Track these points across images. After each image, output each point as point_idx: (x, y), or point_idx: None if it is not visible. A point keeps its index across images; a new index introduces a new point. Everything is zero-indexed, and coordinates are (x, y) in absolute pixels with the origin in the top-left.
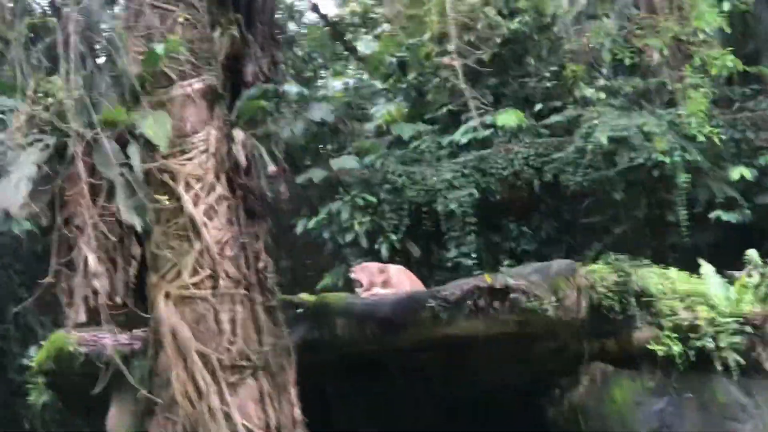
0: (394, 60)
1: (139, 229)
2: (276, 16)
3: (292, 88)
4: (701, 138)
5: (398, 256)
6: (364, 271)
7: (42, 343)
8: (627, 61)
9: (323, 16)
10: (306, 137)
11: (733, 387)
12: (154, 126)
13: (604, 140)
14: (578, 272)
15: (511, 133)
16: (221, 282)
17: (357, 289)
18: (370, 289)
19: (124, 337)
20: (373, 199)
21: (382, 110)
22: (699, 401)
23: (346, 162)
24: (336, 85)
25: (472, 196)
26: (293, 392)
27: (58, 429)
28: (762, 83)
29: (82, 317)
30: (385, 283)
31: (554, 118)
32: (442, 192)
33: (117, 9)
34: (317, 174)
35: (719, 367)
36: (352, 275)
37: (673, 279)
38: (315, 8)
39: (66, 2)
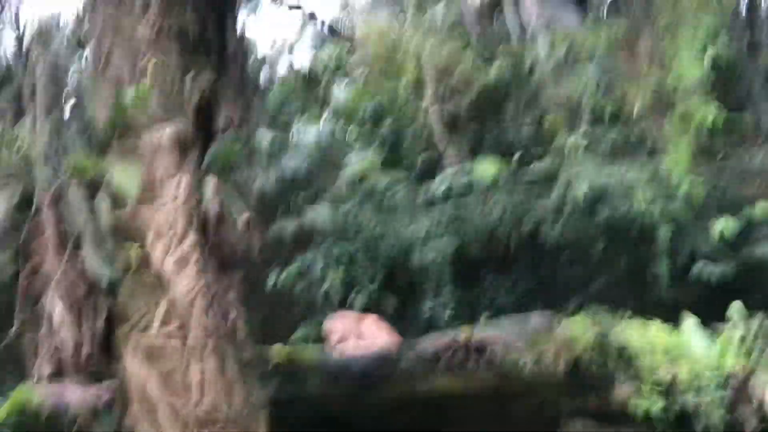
0: (369, 106)
1: (107, 281)
2: (248, 63)
3: (265, 134)
4: (684, 189)
5: (373, 308)
6: (340, 321)
7: (6, 397)
8: (608, 110)
9: (296, 71)
10: (279, 187)
11: None
12: (124, 174)
13: (583, 191)
14: (557, 327)
15: (489, 183)
16: (191, 334)
17: (332, 337)
18: (345, 340)
19: (91, 391)
20: (349, 248)
21: (357, 158)
22: None
23: (320, 212)
24: (310, 131)
25: (449, 247)
26: None
27: None
28: (746, 133)
29: (48, 370)
30: (360, 336)
31: (534, 168)
32: (418, 244)
33: (86, 53)
34: (290, 225)
35: (701, 427)
36: (327, 325)
37: (655, 333)
38: (290, 55)
39: (34, 46)
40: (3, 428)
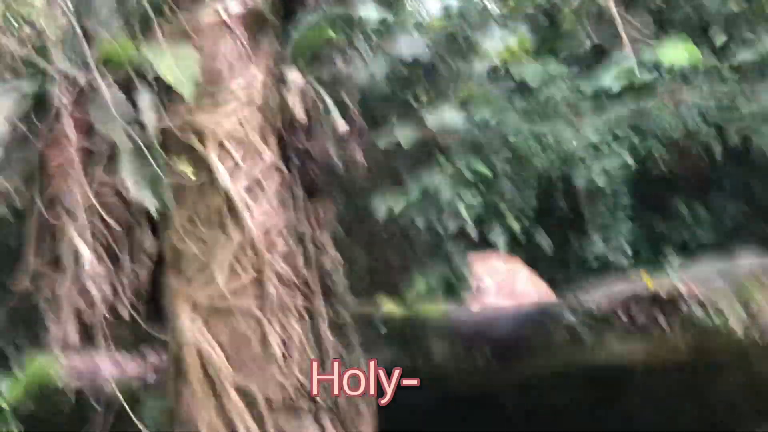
0: None
1: (154, 213)
2: None
3: (371, 12)
4: None
5: (521, 250)
6: (487, 267)
7: (16, 373)
8: None
9: None
10: (391, 82)
11: None
12: (175, 66)
13: None
14: None
15: (681, 76)
16: (270, 289)
17: (477, 300)
18: (487, 293)
19: (132, 366)
20: (487, 171)
21: (498, 44)
22: None
23: (448, 117)
24: (434, 8)
25: (627, 165)
26: None
27: None
28: None
29: (74, 337)
30: (506, 288)
31: (744, 55)
32: (585, 160)
33: None
34: (406, 135)
35: None
36: (475, 282)
37: None
38: None
39: None
40: (12, 418)
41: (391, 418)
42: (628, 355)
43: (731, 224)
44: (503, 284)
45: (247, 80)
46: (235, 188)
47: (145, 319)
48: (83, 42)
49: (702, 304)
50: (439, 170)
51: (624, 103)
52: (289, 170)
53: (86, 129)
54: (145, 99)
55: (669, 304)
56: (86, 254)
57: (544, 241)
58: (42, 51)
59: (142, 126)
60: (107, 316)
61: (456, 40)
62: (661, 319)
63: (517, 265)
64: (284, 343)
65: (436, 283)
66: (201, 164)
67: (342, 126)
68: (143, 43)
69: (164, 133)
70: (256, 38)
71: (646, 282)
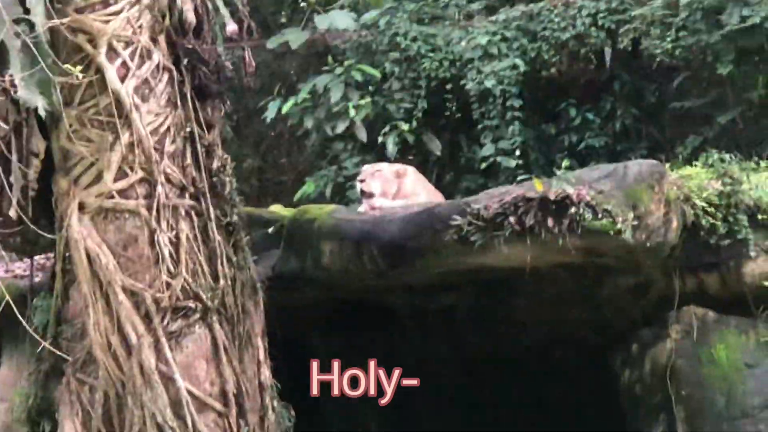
0: None
1: (42, 112)
2: None
3: None
4: None
5: (411, 153)
6: (376, 178)
7: None
8: None
9: None
10: None
11: None
12: None
13: None
14: (667, 178)
15: None
16: (159, 189)
17: (366, 203)
18: (375, 195)
19: (19, 267)
20: (377, 73)
21: None
22: None
23: (338, 19)
24: None
25: (517, 69)
26: (261, 346)
27: None
28: None
29: None
30: (397, 193)
31: None
32: (475, 63)
33: None
34: (296, 36)
35: None
36: (360, 184)
37: None
38: None
39: None
40: None
41: (278, 321)
42: (517, 257)
43: (621, 127)
44: (390, 187)
45: None
46: (124, 88)
47: (33, 220)
48: None
49: (591, 207)
50: (328, 72)
51: (514, 6)
52: (179, 71)
53: None
54: None
55: (558, 206)
56: None
57: (434, 143)
58: None
59: (30, 25)
60: None
61: None
62: (550, 222)
63: (405, 168)
64: (172, 243)
65: (324, 185)
66: (90, 65)
67: (231, 26)
68: None
69: (53, 33)
70: None
71: (536, 184)
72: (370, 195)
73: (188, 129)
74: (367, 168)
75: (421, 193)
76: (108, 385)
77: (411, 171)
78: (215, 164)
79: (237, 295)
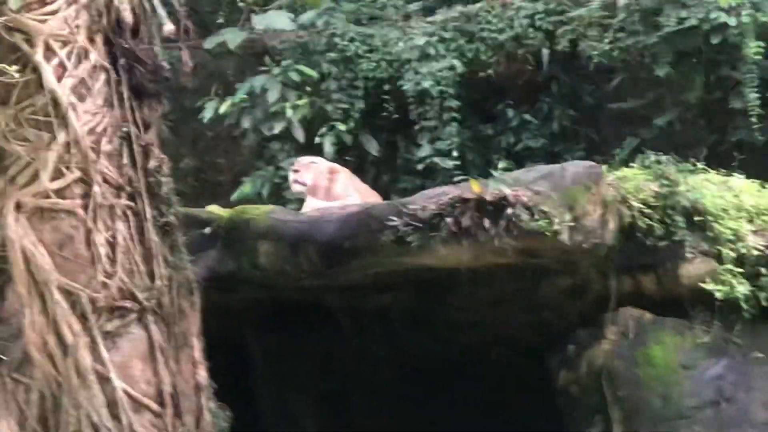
0: None
1: None
2: None
3: None
4: None
5: (349, 154)
6: (309, 169)
7: None
8: None
9: None
10: None
11: None
12: None
13: None
14: (604, 180)
15: None
16: (96, 189)
17: (296, 190)
18: (314, 195)
19: None
20: (314, 74)
21: None
22: None
23: (276, 20)
24: None
25: (454, 69)
26: (197, 346)
27: None
28: None
29: None
30: (328, 192)
31: None
32: (412, 64)
33: None
34: (234, 36)
35: None
36: (293, 174)
37: (739, 190)
38: None
39: None
40: None
41: (215, 320)
42: (454, 258)
43: (558, 129)
44: (321, 180)
45: None
46: (61, 88)
47: None
48: None
49: (528, 208)
50: (266, 73)
51: (452, 7)
52: (116, 71)
53: None
54: None
55: (495, 207)
56: None
57: (371, 143)
58: None
59: None
60: None
61: None
62: (487, 223)
63: (340, 168)
64: (109, 243)
65: (261, 186)
66: (27, 64)
67: (168, 27)
68: None
69: None
70: None
71: (473, 185)
72: (303, 184)
73: (125, 129)
74: (302, 159)
75: (354, 194)
76: (44, 385)
77: (344, 171)
78: (152, 164)
79: (173, 295)
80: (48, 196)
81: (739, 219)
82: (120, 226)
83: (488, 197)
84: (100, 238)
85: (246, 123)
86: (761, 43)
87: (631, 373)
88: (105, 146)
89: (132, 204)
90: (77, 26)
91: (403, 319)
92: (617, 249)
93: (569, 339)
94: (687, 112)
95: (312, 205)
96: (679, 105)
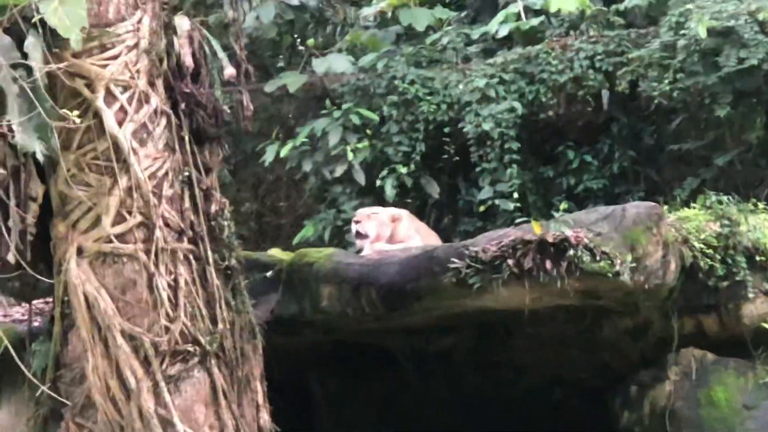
0: None
1: (40, 157)
2: None
3: None
4: None
5: (409, 196)
6: (371, 220)
7: None
8: None
9: None
10: (278, 27)
11: None
12: (62, 10)
13: (702, 33)
14: (665, 220)
15: (569, 22)
16: (157, 233)
17: (360, 244)
18: (374, 239)
19: (18, 311)
20: (375, 117)
21: None
22: None
23: (336, 63)
24: None
25: (515, 111)
26: (260, 390)
27: None
28: None
29: None
30: (392, 237)
31: (632, 2)
32: (473, 106)
33: None
34: (294, 80)
35: None
36: (356, 225)
37: None
38: None
39: None
40: None
41: (278, 364)
42: (515, 299)
43: (619, 170)
44: (385, 230)
45: (134, 24)
46: (122, 133)
47: (32, 265)
48: None
49: (589, 249)
50: (326, 116)
51: (512, 50)
52: (177, 115)
53: None
54: (32, 43)
55: (556, 249)
56: None
57: (432, 186)
58: None
59: (28, 70)
60: None
61: None
62: (548, 264)
63: (400, 212)
64: (171, 287)
65: (323, 228)
66: (87, 110)
67: (229, 71)
68: None
69: (51, 77)
70: None
71: (534, 227)
72: (365, 236)
73: (186, 173)
74: (363, 210)
75: (415, 237)
76: (107, 429)
77: (405, 215)
78: (213, 208)
79: (236, 338)
80: (110, 241)
81: None
82: (182, 270)
83: (550, 239)
84: (163, 283)
85: (307, 166)
86: None
87: (694, 414)
88: (166, 190)
89: (194, 248)
90: (138, 71)
91: (465, 362)
92: (678, 289)
93: (631, 380)
94: (747, 152)
95: (375, 248)
96: (739, 145)
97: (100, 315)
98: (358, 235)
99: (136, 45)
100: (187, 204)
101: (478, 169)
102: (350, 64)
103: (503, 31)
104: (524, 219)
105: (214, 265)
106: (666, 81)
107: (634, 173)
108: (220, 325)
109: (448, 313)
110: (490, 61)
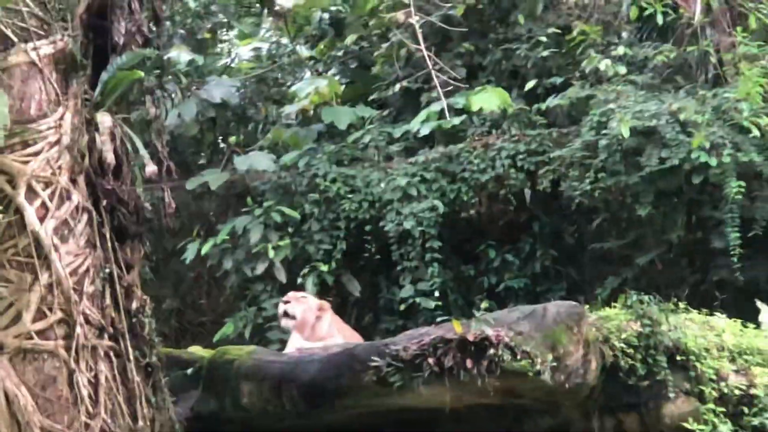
0: (325, 16)
1: None
2: None
3: (181, 54)
4: (757, 131)
5: (330, 294)
6: (300, 303)
7: None
8: (659, 20)
9: None
10: (200, 125)
11: None
12: None
13: (624, 132)
14: (586, 319)
15: (492, 121)
16: (78, 330)
17: (284, 324)
18: (302, 328)
19: None
20: (296, 214)
21: (308, 88)
22: None
23: (257, 161)
24: (244, 52)
25: (436, 210)
26: None
27: None
28: None
29: None
30: (313, 331)
31: (554, 101)
32: (394, 204)
33: None
34: (216, 177)
35: None
36: (283, 305)
37: (721, 330)
38: None
39: None
40: None
41: None
42: (436, 398)
43: (540, 268)
44: (310, 316)
45: (55, 121)
46: (43, 229)
47: None
48: None
49: (510, 348)
50: (247, 213)
51: (434, 148)
52: (98, 212)
53: None
54: None
55: (477, 348)
56: None
57: (353, 284)
58: None
59: None
60: None
61: (266, 83)
62: (469, 363)
63: (327, 305)
64: (91, 384)
65: (244, 326)
66: (9, 205)
67: (150, 168)
68: None
69: None
70: (66, 79)
71: (455, 326)
72: (293, 317)
73: (107, 270)
74: (293, 293)
75: (337, 335)
76: None
77: (329, 311)
78: (134, 305)
79: None
80: (30, 338)
81: (721, 358)
82: (102, 366)
83: (470, 337)
84: (83, 379)
85: (228, 264)
86: (742, 183)
87: None
88: (87, 287)
89: (114, 345)
90: (60, 167)
91: None
92: (599, 388)
93: None
94: (668, 252)
95: (296, 345)
96: (660, 244)
97: (20, 411)
98: (286, 315)
99: (57, 141)
100: (108, 301)
101: (399, 267)
102: (272, 161)
103: (425, 130)
104: (445, 318)
105: (134, 362)
106: (587, 180)
107: (555, 272)
108: (141, 422)
109: (369, 411)
110: (412, 159)
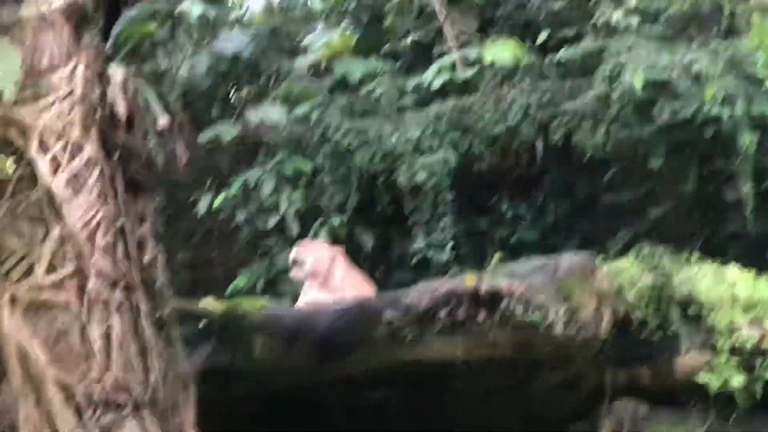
0: None
1: None
2: None
3: (192, 7)
4: None
5: (343, 246)
6: (311, 251)
7: None
8: None
9: None
10: (212, 78)
11: None
12: None
13: (637, 84)
14: (599, 271)
15: (504, 74)
16: (90, 282)
17: (296, 274)
18: (315, 277)
19: None
20: (308, 167)
21: (320, 40)
22: None
23: (270, 114)
24: (255, 4)
25: (449, 162)
26: None
27: None
28: None
29: None
30: (326, 281)
31: (566, 53)
32: (406, 157)
33: None
34: (228, 130)
35: None
36: (294, 254)
37: (734, 281)
38: None
39: None
40: None
41: (210, 414)
42: (448, 351)
43: (552, 221)
44: (322, 266)
45: (67, 74)
46: (55, 182)
47: None
48: None
49: (522, 301)
50: (259, 166)
51: (446, 100)
52: (110, 165)
53: None
54: None
55: (489, 301)
56: None
57: (365, 237)
58: None
59: None
60: None
61: (278, 36)
62: (481, 316)
63: (338, 254)
64: (104, 338)
65: (256, 279)
66: (20, 159)
67: (163, 120)
68: None
69: None
70: (78, 33)
71: (467, 279)
72: (302, 263)
73: (120, 223)
74: (305, 241)
75: (349, 289)
76: None
77: (343, 261)
78: (147, 258)
79: (168, 389)
80: (42, 291)
81: (734, 310)
82: (115, 320)
83: (482, 290)
84: (95, 333)
85: (240, 217)
86: (755, 135)
87: None
88: (99, 240)
89: (127, 298)
90: (71, 120)
91: (398, 415)
92: (611, 341)
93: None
94: (681, 205)
95: (307, 299)
96: (673, 197)
97: (32, 365)
98: (296, 262)
99: (69, 94)
100: (120, 254)
101: (411, 220)
102: (284, 114)
103: (438, 83)
104: (458, 271)
105: (147, 316)
106: (600, 133)
107: (568, 225)
108: (153, 376)
109: (381, 364)
110: (424, 112)
